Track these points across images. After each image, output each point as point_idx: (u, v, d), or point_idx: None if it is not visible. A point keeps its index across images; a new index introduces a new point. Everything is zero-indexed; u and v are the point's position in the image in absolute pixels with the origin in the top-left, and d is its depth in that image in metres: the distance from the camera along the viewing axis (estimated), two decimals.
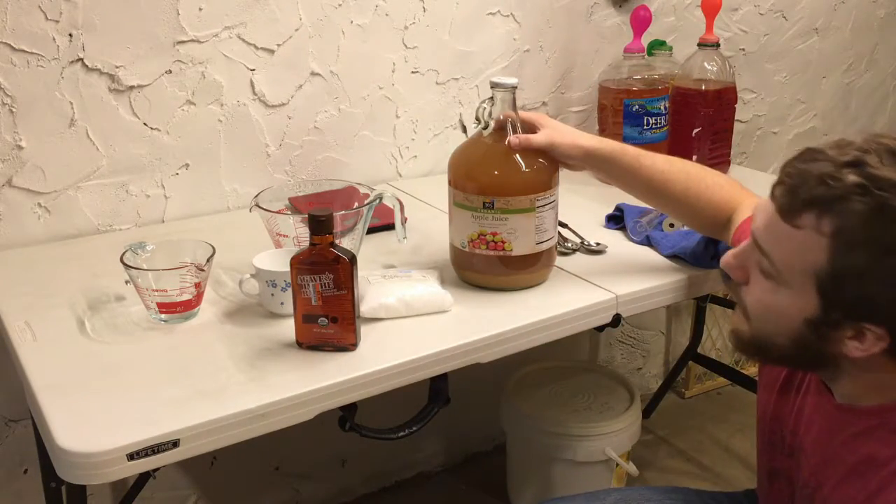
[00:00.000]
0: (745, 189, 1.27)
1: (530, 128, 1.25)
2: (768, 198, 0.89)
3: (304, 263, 1.10)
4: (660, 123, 1.79)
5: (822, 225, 0.81)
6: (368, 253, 1.40)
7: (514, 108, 1.26)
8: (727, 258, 0.95)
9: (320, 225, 1.09)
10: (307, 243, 1.10)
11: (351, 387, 1.07)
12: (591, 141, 1.24)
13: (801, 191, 0.82)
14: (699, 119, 1.84)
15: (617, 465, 1.86)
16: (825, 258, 0.81)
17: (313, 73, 1.68)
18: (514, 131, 1.26)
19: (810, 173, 0.82)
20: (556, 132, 1.23)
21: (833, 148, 0.84)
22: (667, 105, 1.80)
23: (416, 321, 1.21)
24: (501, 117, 1.24)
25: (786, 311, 0.87)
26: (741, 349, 0.98)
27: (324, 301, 1.10)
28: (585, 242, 1.47)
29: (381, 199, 1.34)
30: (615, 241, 1.50)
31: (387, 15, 1.73)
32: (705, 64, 1.85)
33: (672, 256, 1.42)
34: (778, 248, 0.86)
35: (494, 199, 1.24)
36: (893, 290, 0.80)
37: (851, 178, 0.79)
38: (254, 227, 1.34)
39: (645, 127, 1.78)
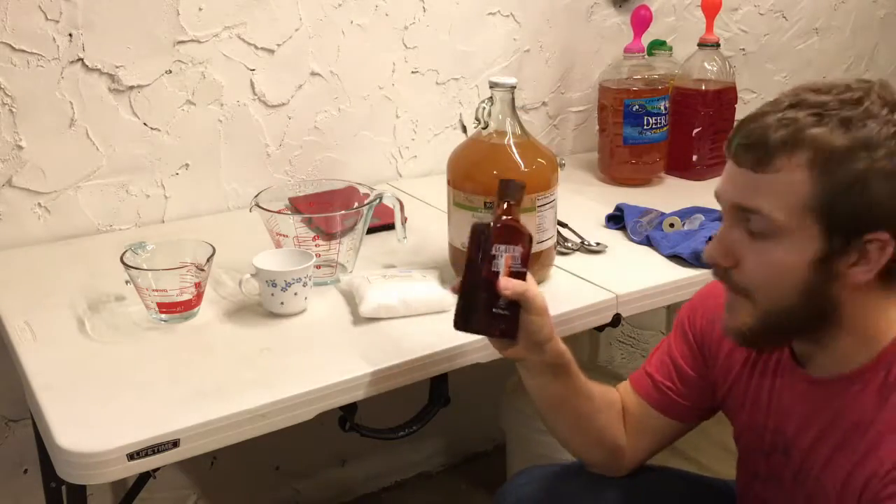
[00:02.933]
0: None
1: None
2: (728, 165, 0.92)
3: (504, 230, 0.99)
4: (660, 123, 1.79)
5: (796, 160, 0.86)
6: (368, 253, 1.39)
7: (513, 107, 1.26)
8: (711, 248, 0.95)
9: (520, 191, 1.00)
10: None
11: (351, 387, 1.07)
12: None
13: (765, 140, 0.87)
14: (699, 119, 1.84)
15: None
16: (811, 187, 0.86)
17: (313, 73, 1.68)
18: (514, 131, 1.26)
19: (766, 124, 0.88)
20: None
21: (767, 105, 0.91)
22: (667, 105, 1.80)
23: (416, 321, 1.21)
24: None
25: (790, 262, 0.89)
26: (750, 342, 0.98)
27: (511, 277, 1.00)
28: (585, 242, 1.47)
29: (381, 199, 1.34)
30: (615, 241, 1.50)
31: (387, 15, 1.73)
32: (705, 64, 1.85)
33: (672, 256, 1.42)
34: (765, 200, 0.88)
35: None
36: (888, 182, 0.84)
37: (801, 113, 0.86)
38: (254, 227, 1.34)
39: (645, 127, 1.78)
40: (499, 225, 1.00)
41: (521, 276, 1.00)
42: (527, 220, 1.24)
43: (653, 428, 1.16)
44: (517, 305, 1.00)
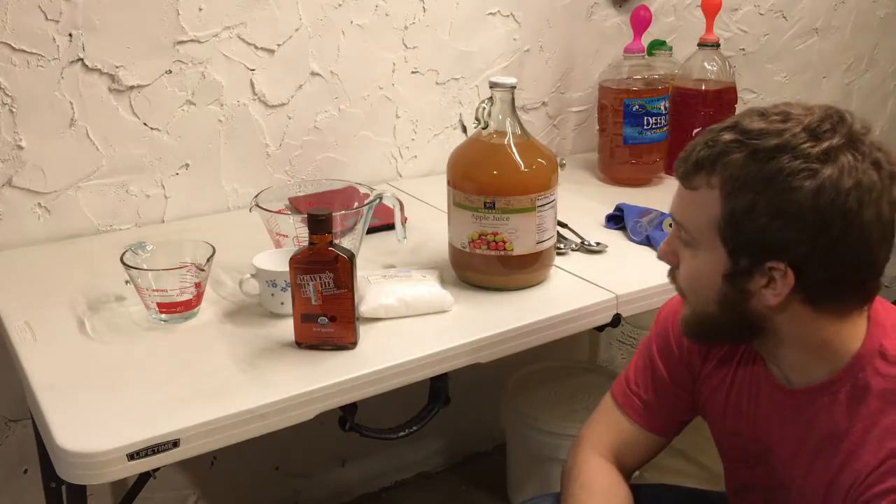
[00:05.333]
0: None
1: None
2: None
3: (304, 263, 1.10)
4: (660, 123, 1.79)
5: (711, 181, 0.91)
6: (368, 253, 1.39)
7: (513, 107, 1.27)
8: (661, 248, 1.02)
9: (319, 224, 1.09)
10: (307, 243, 1.10)
11: (351, 387, 1.07)
12: None
13: (690, 158, 0.93)
14: (699, 119, 1.84)
15: None
16: (719, 208, 0.90)
17: (313, 73, 1.68)
18: (514, 131, 1.26)
19: (697, 143, 0.93)
20: None
21: (718, 124, 0.95)
22: (667, 105, 1.80)
23: (416, 321, 1.21)
24: None
25: (706, 273, 0.94)
26: (688, 334, 1.03)
27: (324, 300, 1.10)
28: (585, 242, 1.47)
29: (381, 199, 1.34)
30: (615, 241, 1.50)
31: (387, 15, 1.73)
32: (705, 64, 1.85)
33: None
34: (686, 214, 0.95)
35: (495, 199, 1.24)
36: (777, 220, 0.87)
37: (727, 136, 0.90)
38: (254, 227, 1.34)
39: (645, 127, 1.78)
40: (300, 257, 1.11)
41: (336, 298, 1.10)
42: (527, 220, 1.25)
43: (642, 446, 1.17)
44: (343, 316, 1.11)
